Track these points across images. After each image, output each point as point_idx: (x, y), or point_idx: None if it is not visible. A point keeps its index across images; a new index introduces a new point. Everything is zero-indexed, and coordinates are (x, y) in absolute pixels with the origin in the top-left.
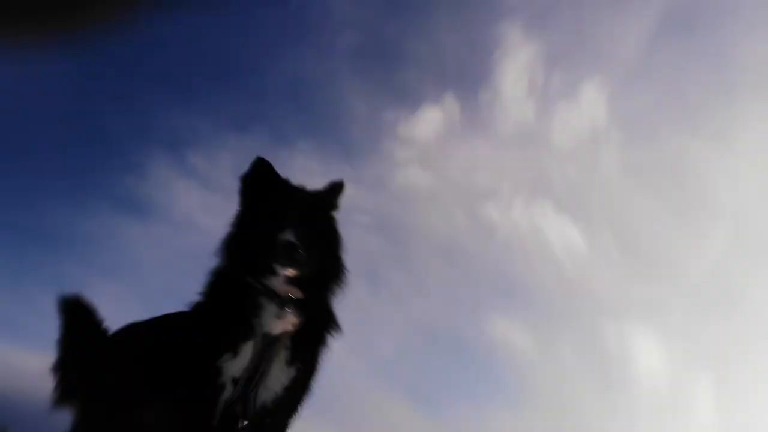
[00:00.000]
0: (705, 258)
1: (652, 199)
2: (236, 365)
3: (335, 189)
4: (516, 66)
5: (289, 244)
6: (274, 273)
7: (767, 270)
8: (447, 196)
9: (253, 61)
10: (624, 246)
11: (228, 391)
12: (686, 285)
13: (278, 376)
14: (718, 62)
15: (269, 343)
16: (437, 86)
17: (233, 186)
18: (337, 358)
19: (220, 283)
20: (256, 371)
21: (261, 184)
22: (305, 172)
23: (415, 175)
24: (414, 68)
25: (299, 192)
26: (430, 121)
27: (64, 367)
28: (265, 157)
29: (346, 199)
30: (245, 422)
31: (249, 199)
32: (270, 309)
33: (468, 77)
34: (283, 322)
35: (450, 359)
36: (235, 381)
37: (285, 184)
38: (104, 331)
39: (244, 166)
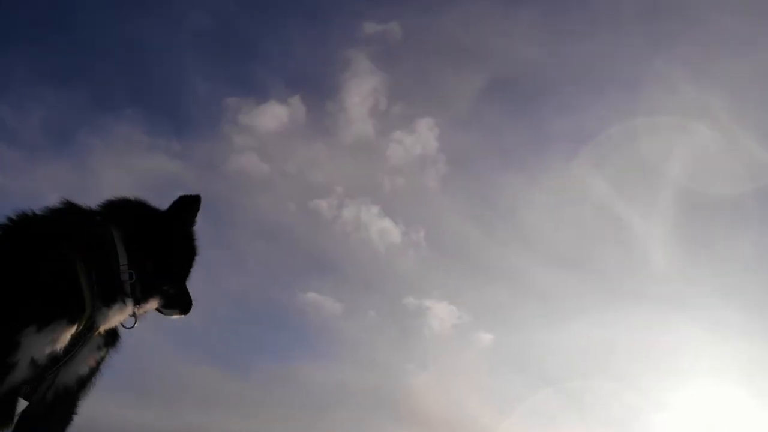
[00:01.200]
0: (499, 256)
1: (462, 212)
2: (39, 344)
3: None
4: (362, 89)
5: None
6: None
7: (545, 268)
8: (281, 187)
9: (86, 13)
10: (433, 242)
11: (21, 372)
12: (481, 273)
13: (86, 359)
14: (529, 123)
15: (89, 328)
16: (285, 87)
17: (42, 145)
18: (142, 337)
19: (66, 257)
20: (66, 354)
21: (191, 220)
22: (128, 141)
23: (250, 163)
24: (264, 65)
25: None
26: (274, 116)
27: None
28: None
29: (168, 174)
30: (27, 404)
31: (182, 227)
32: (119, 307)
33: (317, 87)
34: (120, 317)
35: (262, 327)
36: (35, 364)
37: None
38: None
39: (59, 125)
